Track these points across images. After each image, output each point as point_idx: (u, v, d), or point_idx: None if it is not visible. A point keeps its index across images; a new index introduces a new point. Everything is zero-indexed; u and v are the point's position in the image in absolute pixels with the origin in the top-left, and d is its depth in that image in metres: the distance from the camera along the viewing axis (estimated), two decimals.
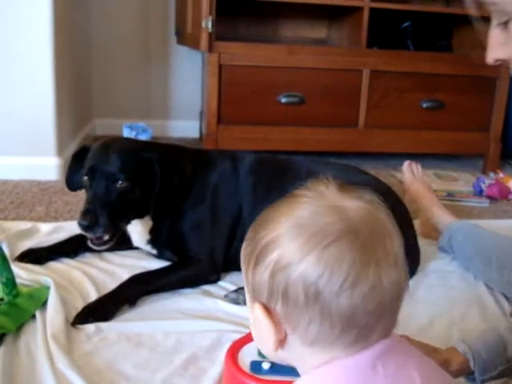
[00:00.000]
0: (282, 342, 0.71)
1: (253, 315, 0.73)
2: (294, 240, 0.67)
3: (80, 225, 1.44)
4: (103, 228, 1.45)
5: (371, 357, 0.67)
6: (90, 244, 1.51)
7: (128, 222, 1.57)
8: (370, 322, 0.67)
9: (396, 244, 0.71)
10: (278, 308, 0.69)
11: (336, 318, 0.66)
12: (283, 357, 0.74)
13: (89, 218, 1.43)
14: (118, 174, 1.48)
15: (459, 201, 2.51)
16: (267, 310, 0.70)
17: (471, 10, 0.99)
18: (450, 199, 2.51)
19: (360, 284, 0.65)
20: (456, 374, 1.03)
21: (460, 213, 2.34)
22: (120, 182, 1.48)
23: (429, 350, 1.03)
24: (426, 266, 1.74)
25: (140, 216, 1.59)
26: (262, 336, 0.72)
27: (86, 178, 1.51)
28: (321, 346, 0.68)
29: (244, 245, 0.76)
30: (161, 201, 1.53)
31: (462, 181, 2.80)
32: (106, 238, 1.50)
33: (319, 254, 0.66)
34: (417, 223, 1.74)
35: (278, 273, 0.67)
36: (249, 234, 0.76)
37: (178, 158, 1.64)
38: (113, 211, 1.47)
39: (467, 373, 1.05)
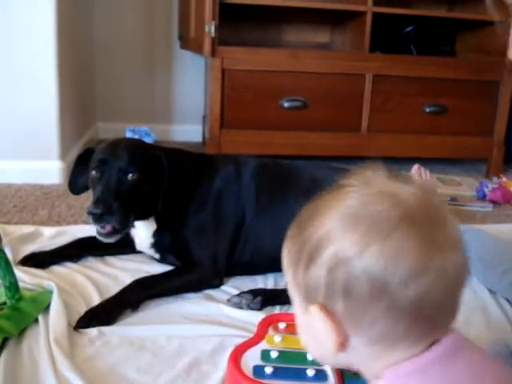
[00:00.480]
0: (343, 345, 0.66)
1: (304, 320, 0.70)
2: (350, 232, 0.64)
3: (92, 214, 1.41)
4: (116, 217, 1.44)
5: (444, 352, 0.64)
6: (97, 235, 1.50)
7: (136, 217, 1.55)
8: (435, 314, 0.64)
9: (454, 227, 0.66)
10: (339, 307, 0.65)
11: (402, 311, 0.62)
12: (345, 360, 0.71)
13: (101, 207, 1.41)
14: (129, 166, 1.48)
15: (462, 205, 2.51)
16: (326, 310, 0.66)
17: (490, 10, 0.99)
18: (453, 204, 2.51)
19: (426, 272, 0.62)
20: None
21: (463, 217, 2.34)
22: (131, 174, 1.48)
23: None
24: None
25: (146, 215, 1.59)
26: (318, 341, 0.68)
27: (94, 172, 1.51)
28: (385, 344, 0.65)
29: (288, 245, 0.72)
30: (167, 199, 1.53)
31: (465, 185, 2.79)
32: (119, 227, 1.48)
33: (380, 245, 0.62)
34: None
35: (337, 269, 0.64)
36: (293, 232, 0.72)
37: (183, 159, 1.65)
38: (124, 203, 1.45)
39: None
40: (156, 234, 1.63)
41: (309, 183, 1.68)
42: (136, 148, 1.56)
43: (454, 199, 2.56)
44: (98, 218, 1.42)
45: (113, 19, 3.38)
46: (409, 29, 3.25)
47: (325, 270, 0.64)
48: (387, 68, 2.90)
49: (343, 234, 0.64)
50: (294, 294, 0.72)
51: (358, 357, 0.68)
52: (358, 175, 0.70)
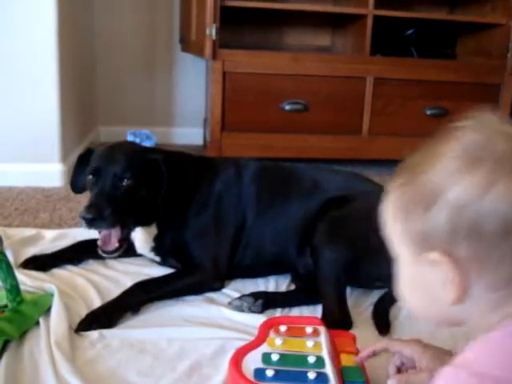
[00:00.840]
0: (462, 295, 0.64)
1: (413, 273, 0.69)
2: (473, 172, 0.62)
3: (84, 218, 1.42)
4: (108, 221, 1.44)
5: None
6: (100, 252, 1.52)
7: (134, 224, 1.56)
8: None
9: None
10: (463, 251, 0.63)
11: None
12: (457, 315, 0.69)
13: (93, 211, 1.42)
14: (124, 172, 1.49)
15: None
16: (448, 256, 0.63)
17: None
18: None
19: None
20: None
21: None
22: (125, 180, 1.49)
23: (441, 352, 1.02)
24: None
25: (146, 222, 1.60)
26: (429, 295, 0.67)
27: (90, 177, 1.52)
28: (508, 290, 0.63)
29: (396, 194, 0.70)
30: (167, 203, 1.53)
31: None
32: (116, 245, 1.50)
33: (507, 182, 0.60)
34: None
35: (461, 211, 0.62)
36: (401, 180, 0.69)
37: (183, 162, 1.65)
38: (118, 208, 1.46)
39: None
40: (157, 239, 1.63)
41: (310, 185, 1.68)
42: (132, 153, 1.56)
43: None
44: (89, 223, 1.43)
45: (114, 22, 3.39)
46: (410, 32, 3.26)
47: (447, 213, 0.63)
48: (388, 71, 2.90)
49: (465, 174, 0.62)
50: (401, 246, 0.70)
51: (473, 308, 0.66)
52: (469, 117, 0.68)
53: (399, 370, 1.06)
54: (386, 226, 0.72)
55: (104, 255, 1.53)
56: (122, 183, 1.49)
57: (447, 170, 0.64)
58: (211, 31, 2.64)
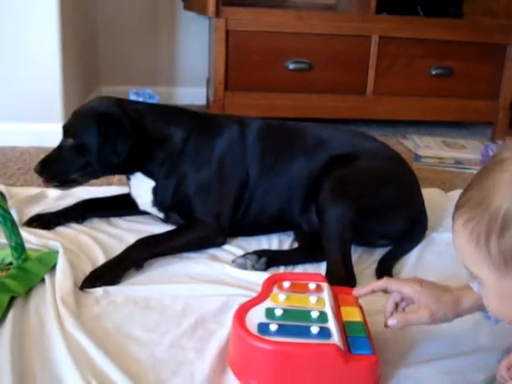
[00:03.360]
0: None
1: (500, 286, 0.78)
2: None
3: (34, 170, 1.59)
4: (49, 177, 1.59)
5: None
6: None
7: (86, 176, 1.61)
8: None
9: None
10: None
11: None
12: None
13: (39, 167, 1.58)
14: (67, 132, 1.58)
15: (467, 168, 2.50)
16: None
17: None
18: (457, 167, 2.51)
19: None
20: (470, 311, 1.06)
21: (467, 180, 2.32)
22: (69, 139, 1.56)
23: (440, 289, 1.06)
24: (432, 234, 1.74)
25: (119, 172, 1.70)
26: None
27: None
28: None
29: (469, 228, 0.78)
30: (116, 162, 1.56)
31: (469, 148, 2.78)
32: (53, 184, 1.62)
33: None
34: (424, 191, 1.73)
35: None
36: (466, 215, 0.78)
37: (168, 116, 1.65)
38: (61, 165, 1.58)
39: (481, 309, 1.05)
40: (155, 191, 1.63)
41: (314, 143, 1.67)
42: (84, 112, 1.59)
43: (458, 162, 2.56)
44: (38, 175, 1.59)
45: None
46: None
47: None
48: (393, 30, 2.86)
49: None
50: (484, 268, 0.78)
51: None
52: (506, 149, 0.78)
53: (397, 307, 1.10)
54: (463, 256, 0.82)
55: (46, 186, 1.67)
56: (67, 142, 1.57)
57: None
58: None
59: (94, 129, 1.53)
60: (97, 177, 1.65)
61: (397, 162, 1.70)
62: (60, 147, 1.60)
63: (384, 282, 1.11)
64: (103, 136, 1.52)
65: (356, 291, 1.16)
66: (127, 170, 1.64)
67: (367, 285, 1.14)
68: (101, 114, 1.54)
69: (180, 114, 1.69)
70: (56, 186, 1.62)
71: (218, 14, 2.65)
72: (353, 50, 2.86)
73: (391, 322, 1.06)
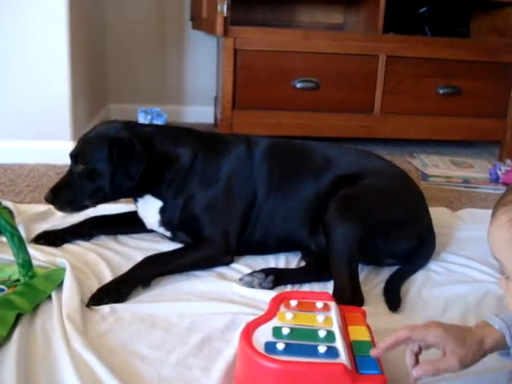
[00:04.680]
0: None
1: None
2: None
3: (45, 199, 1.58)
4: (61, 205, 1.58)
5: None
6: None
7: (97, 201, 1.61)
8: None
9: None
10: None
11: None
12: None
13: (51, 195, 1.56)
14: (78, 158, 1.57)
15: (475, 187, 2.49)
16: None
17: None
18: (465, 186, 2.50)
19: None
20: (492, 351, 1.00)
21: (475, 199, 2.33)
22: (80, 165, 1.55)
23: (464, 332, 0.99)
24: (441, 252, 1.73)
25: (130, 196, 1.66)
26: None
27: None
28: None
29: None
30: (145, 179, 1.55)
31: (477, 167, 2.78)
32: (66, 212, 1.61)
33: None
34: (432, 210, 1.72)
35: None
36: (508, 215, 0.83)
37: (175, 138, 1.65)
38: (73, 192, 1.56)
39: (501, 348, 1.01)
40: (162, 212, 1.63)
41: (321, 162, 1.67)
42: (94, 138, 1.58)
43: (466, 181, 2.55)
44: (50, 203, 1.58)
45: (124, 0, 3.37)
46: (423, 9, 3.22)
47: None
48: (401, 49, 2.87)
49: None
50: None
51: None
52: None
53: (416, 356, 1.02)
54: (500, 251, 0.86)
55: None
56: (77, 168, 1.56)
57: None
58: (222, 8, 2.62)
59: (105, 154, 1.52)
60: (108, 201, 1.64)
61: (403, 181, 1.70)
62: (70, 174, 1.59)
63: (407, 332, 1.00)
64: (116, 161, 1.51)
65: (377, 349, 1.03)
66: (138, 193, 1.63)
67: (388, 337, 1.01)
68: (112, 139, 1.53)
69: (187, 135, 1.69)
70: (67, 212, 1.61)
71: (225, 33, 2.67)
72: (360, 69, 2.87)
73: (417, 372, 0.98)
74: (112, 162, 1.51)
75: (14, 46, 2.40)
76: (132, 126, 1.63)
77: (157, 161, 1.58)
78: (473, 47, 2.96)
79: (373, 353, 1.03)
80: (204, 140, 1.69)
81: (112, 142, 1.53)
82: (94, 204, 1.61)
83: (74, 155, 1.58)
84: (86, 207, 1.61)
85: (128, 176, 1.53)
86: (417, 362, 1.02)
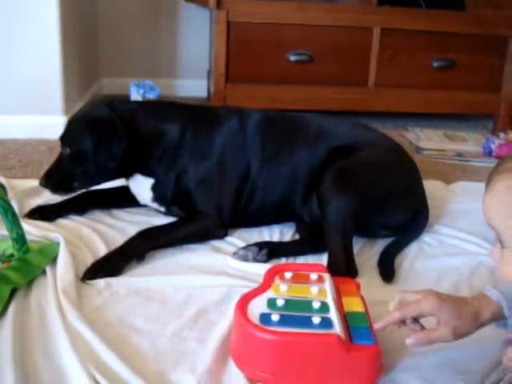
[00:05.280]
0: None
1: None
2: None
3: (39, 184, 1.61)
4: (52, 189, 1.60)
5: None
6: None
7: (85, 183, 1.62)
8: None
9: None
10: None
11: None
12: None
13: (43, 180, 1.59)
14: (64, 141, 1.58)
15: (468, 161, 2.49)
16: None
17: None
18: (459, 159, 2.50)
19: None
20: (489, 322, 1.00)
21: (469, 173, 2.34)
22: (66, 148, 1.56)
23: (459, 303, 0.99)
24: (434, 224, 1.74)
25: (117, 176, 1.65)
26: None
27: None
28: None
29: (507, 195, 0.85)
30: (111, 165, 1.55)
31: (471, 141, 2.78)
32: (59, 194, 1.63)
33: None
34: (426, 183, 1.72)
35: None
36: (506, 183, 0.86)
37: (163, 112, 1.64)
38: (61, 175, 1.58)
39: (498, 319, 1.01)
40: (154, 188, 1.63)
41: (315, 134, 1.67)
42: (77, 119, 1.60)
43: (460, 155, 2.56)
44: (44, 188, 1.61)
45: None
46: None
47: None
48: (395, 21, 2.85)
49: None
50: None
51: None
52: None
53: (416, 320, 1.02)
54: (495, 222, 0.88)
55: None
56: (65, 151, 1.57)
57: None
58: None
59: (86, 135, 1.52)
60: (98, 183, 1.64)
61: (398, 153, 1.70)
62: (60, 157, 1.61)
63: (401, 314, 1.00)
64: (96, 141, 1.52)
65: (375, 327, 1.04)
66: (126, 173, 1.63)
67: (382, 320, 1.02)
68: (92, 120, 1.53)
69: (174, 109, 1.68)
70: (61, 194, 1.63)
71: (219, 5, 2.64)
72: (354, 42, 2.84)
73: (410, 341, 0.99)
74: (93, 142, 1.52)
75: (3, 19, 2.36)
76: (115, 104, 1.61)
77: (142, 138, 1.57)
78: (468, 20, 2.93)
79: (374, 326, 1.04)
80: (194, 113, 1.67)
81: (92, 123, 1.53)
82: (85, 186, 1.63)
83: (61, 139, 1.60)
84: (74, 189, 1.62)
85: (110, 155, 1.52)
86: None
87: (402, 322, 1.02)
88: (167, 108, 1.68)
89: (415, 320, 1.02)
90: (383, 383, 1.04)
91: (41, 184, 1.60)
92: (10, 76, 2.43)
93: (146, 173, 1.62)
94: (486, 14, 3.07)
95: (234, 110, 1.73)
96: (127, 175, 1.65)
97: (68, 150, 1.56)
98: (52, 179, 1.59)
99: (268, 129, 1.68)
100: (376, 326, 1.03)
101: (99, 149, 1.52)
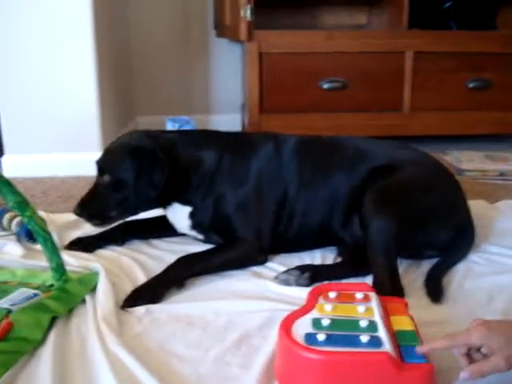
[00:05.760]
0: None
1: None
2: None
3: (73, 212, 1.58)
4: (89, 218, 1.58)
5: None
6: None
7: (124, 213, 1.59)
8: None
9: None
10: None
11: None
12: None
13: (78, 209, 1.56)
14: (104, 169, 1.57)
15: (511, 180, 2.43)
16: None
17: None
18: (502, 179, 2.44)
19: None
20: None
21: None
22: (106, 176, 1.55)
23: (509, 328, 0.94)
24: (481, 244, 1.68)
25: (156, 205, 1.63)
26: None
27: None
28: None
29: None
30: (153, 194, 1.54)
31: None
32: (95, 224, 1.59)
33: None
34: (469, 203, 1.67)
35: None
36: None
37: (199, 140, 1.63)
38: (99, 203, 1.56)
39: None
40: (192, 216, 1.62)
41: (353, 155, 1.64)
42: (118, 148, 1.58)
43: (503, 174, 2.49)
44: (79, 217, 1.58)
45: (148, 11, 3.40)
46: (447, 4, 3.17)
47: None
48: (427, 44, 2.83)
49: None
50: None
51: None
52: None
53: (469, 356, 0.98)
54: None
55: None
56: (104, 179, 1.56)
57: None
58: (246, 12, 2.62)
59: (128, 164, 1.52)
60: (136, 213, 1.63)
61: (439, 171, 1.66)
62: (96, 185, 1.59)
63: (447, 342, 0.97)
64: (138, 170, 1.51)
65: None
66: (164, 202, 1.62)
67: (428, 343, 0.99)
68: (134, 148, 1.53)
69: (210, 137, 1.67)
70: (96, 225, 1.60)
71: (250, 37, 2.67)
72: (387, 67, 2.83)
73: (463, 376, 0.94)
74: (135, 171, 1.51)
75: (42, 61, 2.43)
76: (154, 134, 1.62)
77: (180, 166, 1.56)
78: (501, 39, 2.91)
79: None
80: (230, 140, 1.67)
81: (134, 152, 1.53)
82: (121, 216, 1.61)
83: (98, 167, 1.59)
84: (112, 219, 1.60)
85: (151, 184, 1.52)
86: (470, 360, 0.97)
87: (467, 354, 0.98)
88: (203, 136, 1.67)
89: (469, 355, 0.97)
90: None
91: (75, 212, 1.57)
92: (49, 116, 2.49)
93: (184, 201, 1.61)
94: None
95: (270, 135, 1.71)
96: (165, 204, 1.63)
97: (108, 178, 1.55)
98: (88, 207, 1.57)
99: (304, 153, 1.66)
100: (418, 348, 0.99)
101: (141, 177, 1.51)
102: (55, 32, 2.40)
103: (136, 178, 1.51)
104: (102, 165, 1.58)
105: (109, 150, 1.62)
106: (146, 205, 1.61)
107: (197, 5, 3.45)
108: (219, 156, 1.61)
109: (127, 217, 1.64)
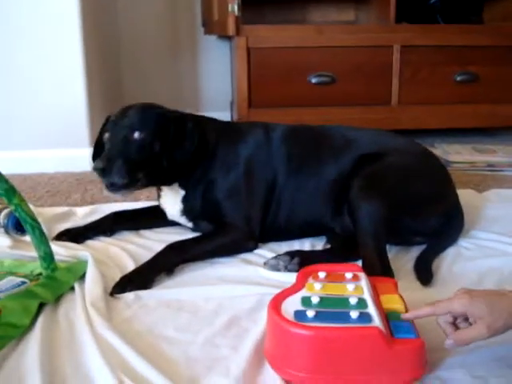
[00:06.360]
0: None
1: None
2: None
3: (95, 169, 1.41)
4: (118, 173, 1.42)
5: None
6: (104, 190, 1.46)
7: (148, 180, 1.51)
8: None
9: None
10: None
11: None
12: None
13: (105, 162, 1.41)
14: (136, 125, 1.48)
15: (499, 170, 2.44)
16: None
17: None
18: (490, 169, 2.45)
19: None
20: None
21: (501, 181, 2.28)
22: (138, 132, 1.47)
23: (494, 297, 0.96)
24: (470, 230, 1.68)
25: (163, 181, 1.59)
26: None
27: (106, 134, 1.52)
28: None
29: None
30: (182, 162, 1.52)
31: (501, 153, 2.72)
32: (121, 182, 1.44)
33: None
34: (458, 192, 1.67)
35: None
36: None
37: (204, 124, 1.63)
38: (129, 160, 1.44)
39: None
40: (184, 200, 1.61)
41: (341, 143, 1.64)
42: (147, 109, 1.55)
43: (490, 165, 2.50)
44: (100, 173, 1.41)
45: (136, 9, 3.39)
46: (434, 0, 3.18)
47: None
48: (415, 38, 2.84)
49: None
50: None
51: None
52: None
53: (455, 324, 1.00)
54: None
55: (108, 192, 1.46)
56: (134, 136, 1.47)
57: None
58: (233, 7, 2.62)
59: (167, 126, 1.50)
60: (153, 183, 1.58)
61: (427, 157, 1.66)
62: (122, 142, 1.47)
63: (430, 309, 1.00)
64: (174, 135, 1.50)
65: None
66: (173, 178, 1.59)
67: (412, 311, 1.02)
68: (171, 114, 1.55)
69: (211, 122, 1.68)
70: (119, 188, 1.45)
71: (238, 32, 2.67)
72: (375, 61, 2.84)
73: (447, 343, 0.96)
74: (172, 135, 1.50)
75: (30, 57, 2.42)
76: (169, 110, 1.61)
77: (199, 144, 1.56)
78: (487, 32, 2.92)
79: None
80: (224, 127, 1.68)
81: (171, 117, 1.53)
82: (144, 182, 1.50)
83: (131, 122, 1.49)
84: (137, 183, 1.47)
85: (183, 151, 1.51)
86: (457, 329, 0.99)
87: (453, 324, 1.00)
88: (206, 121, 1.68)
89: (454, 324, 1.00)
90: (429, 382, 0.98)
91: (97, 167, 1.41)
92: (37, 112, 2.48)
93: (181, 183, 1.60)
94: (506, 26, 3.05)
95: (259, 123, 1.72)
96: (171, 182, 1.60)
97: (140, 136, 1.48)
98: (112, 164, 1.42)
99: (293, 140, 1.66)
100: (402, 315, 1.02)
101: (175, 142, 1.50)
102: (42, 28, 2.39)
103: (172, 142, 1.50)
104: (137, 121, 1.49)
105: (143, 110, 1.54)
106: (165, 174, 1.56)
107: (184, 3, 3.44)
108: (216, 141, 1.61)
109: (146, 186, 1.55)
